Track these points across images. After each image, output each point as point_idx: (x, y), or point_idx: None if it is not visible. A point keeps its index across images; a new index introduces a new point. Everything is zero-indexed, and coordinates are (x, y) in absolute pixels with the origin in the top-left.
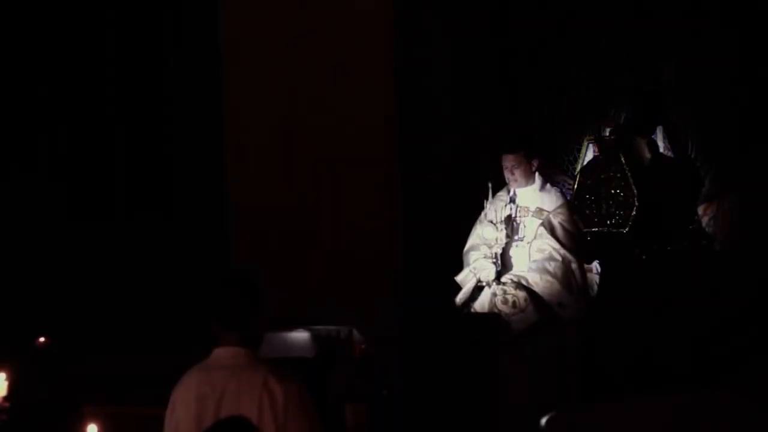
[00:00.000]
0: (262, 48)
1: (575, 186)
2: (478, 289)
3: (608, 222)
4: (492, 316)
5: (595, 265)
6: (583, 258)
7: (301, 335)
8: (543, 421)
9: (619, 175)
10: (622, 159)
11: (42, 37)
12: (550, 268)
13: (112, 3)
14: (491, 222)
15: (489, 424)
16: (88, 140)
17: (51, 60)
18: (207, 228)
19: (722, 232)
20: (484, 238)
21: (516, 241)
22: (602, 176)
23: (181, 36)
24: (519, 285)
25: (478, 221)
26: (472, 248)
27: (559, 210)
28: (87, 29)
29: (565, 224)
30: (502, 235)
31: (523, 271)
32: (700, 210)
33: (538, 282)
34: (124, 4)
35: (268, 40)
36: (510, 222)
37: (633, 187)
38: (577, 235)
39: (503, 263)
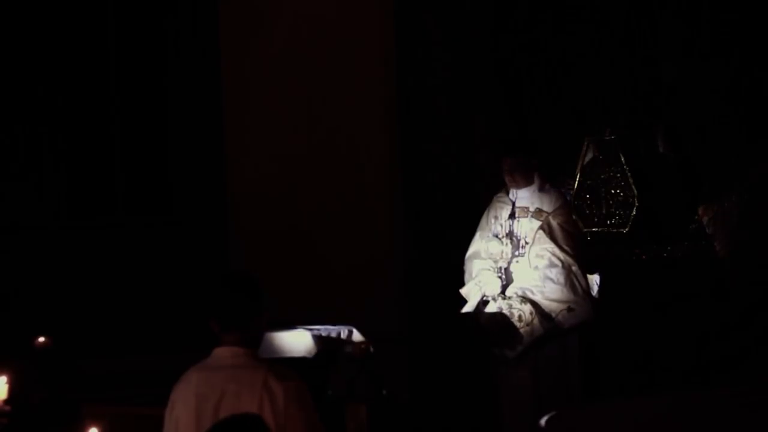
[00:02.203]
0: (261, 49)
1: (575, 186)
2: (483, 303)
3: (608, 222)
4: (500, 317)
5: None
6: (583, 259)
7: (301, 335)
8: (543, 421)
9: (619, 175)
10: (622, 159)
11: (42, 38)
12: (552, 276)
13: (113, 4)
14: (496, 236)
15: (490, 425)
16: (88, 141)
17: (51, 60)
18: (207, 228)
19: (722, 232)
20: (489, 252)
21: (517, 257)
22: (602, 176)
23: (182, 36)
24: (524, 299)
25: (479, 228)
26: (475, 256)
27: (558, 211)
28: (88, 30)
29: (564, 225)
30: (507, 249)
31: (527, 284)
32: (700, 210)
33: (544, 291)
34: (126, 5)
35: (267, 40)
36: (512, 237)
37: (633, 187)
38: (577, 236)
39: (507, 276)
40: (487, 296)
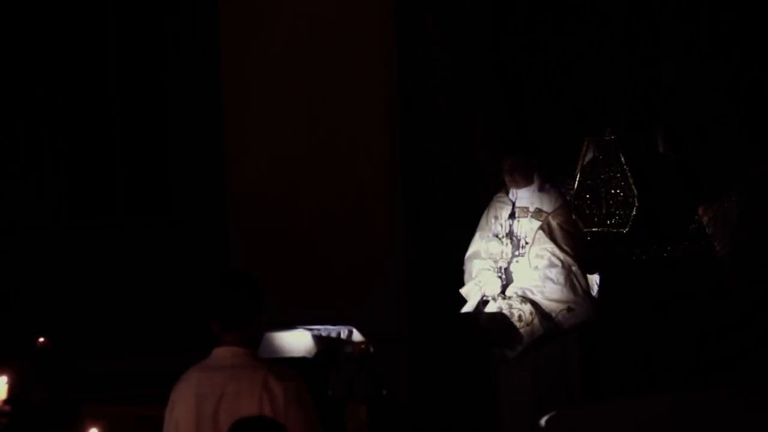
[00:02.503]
0: (261, 49)
1: (575, 186)
2: (483, 303)
3: (608, 222)
4: (500, 317)
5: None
6: (583, 259)
7: (301, 335)
8: (543, 421)
9: (619, 175)
10: (622, 159)
11: (42, 38)
12: (552, 276)
13: (113, 4)
14: (496, 236)
15: (490, 425)
16: (88, 141)
17: (51, 60)
18: (207, 228)
19: (722, 232)
20: (489, 252)
21: (517, 257)
22: (602, 176)
23: (182, 36)
24: (524, 299)
25: (479, 228)
26: (475, 256)
27: (558, 211)
28: (88, 30)
29: (564, 225)
30: (507, 249)
31: (527, 284)
32: (700, 210)
33: (543, 291)
34: (126, 5)
35: (267, 40)
36: (512, 236)
37: (633, 187)
38: (577, 236)
39: (507, 276)
40: (487, 296)
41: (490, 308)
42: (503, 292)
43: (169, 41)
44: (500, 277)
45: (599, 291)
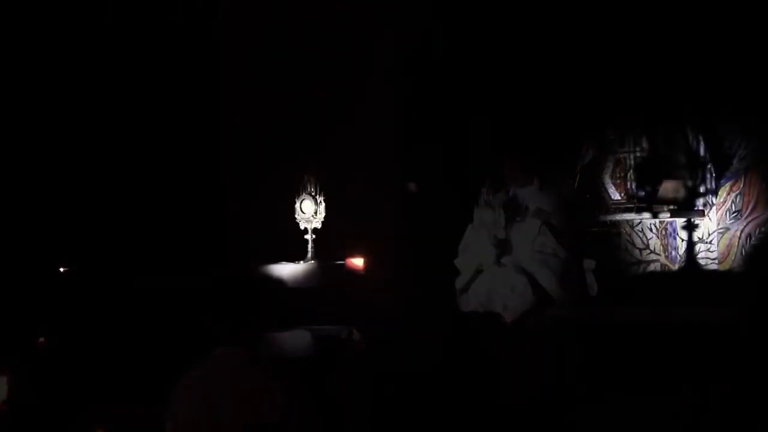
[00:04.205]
0: (261, 49)
1: (575, 186)
2: (477, 272)
3: (608, 221)
4: (493, 316)
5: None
6: (582, 258)
7: (301, 335)
8: None
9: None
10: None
11: (42, 37)
12: (552, 264)
13: (113, 4)
14: (487, 204)
15: (489, 424)
16: (88, 140)
17: (51, 60)
18: (207, 227)
19: (748, 205)
20: (483, 221)
21: (518, 222)
22: (602, 176)
23: (181, 36)
24: (519, 268)
25: (471, 225)
26: (468, 246)
27: (558, 211)
28: (88, 29)
29: (564, 225)
30: (501, 218)
31: (525, 259)
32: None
33: (537, 273)
34: (126, 5)
35: (267, 40)
36: (509, 204)
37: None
38: (577, 236)
39: (502, 245)
40: (482, 265)
41: (485, 276)
42: (498, 261)
43: (169, 41)
44: (494, 245)
45: (599, 291)
